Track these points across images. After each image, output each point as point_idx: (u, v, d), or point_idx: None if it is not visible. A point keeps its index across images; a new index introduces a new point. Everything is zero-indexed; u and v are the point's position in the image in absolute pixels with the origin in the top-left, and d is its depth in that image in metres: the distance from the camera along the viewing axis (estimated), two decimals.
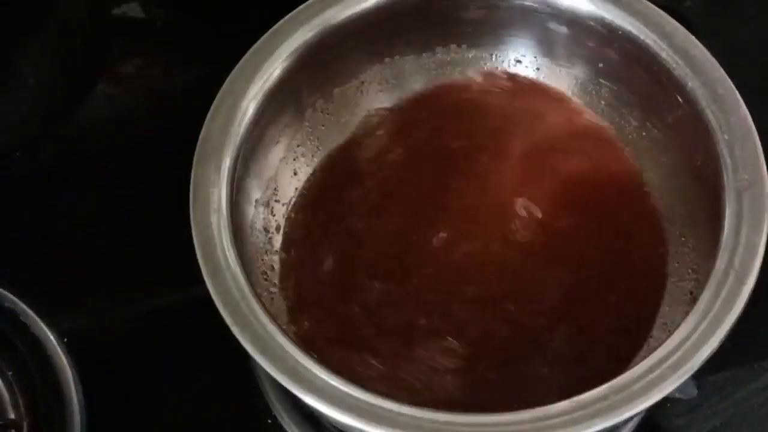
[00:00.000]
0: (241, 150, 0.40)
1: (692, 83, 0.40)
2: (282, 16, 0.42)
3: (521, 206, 0.45)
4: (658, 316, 0.42)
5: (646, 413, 0.44)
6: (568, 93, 0.47)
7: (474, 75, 0.47)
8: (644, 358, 0.34)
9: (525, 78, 0.47)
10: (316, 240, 0.45)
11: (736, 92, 0.39)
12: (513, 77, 0.47)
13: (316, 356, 0.34)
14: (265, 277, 0.43)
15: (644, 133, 0.45)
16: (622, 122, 0.46)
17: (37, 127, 0.55)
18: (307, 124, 0.46)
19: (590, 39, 0.44)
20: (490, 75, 0.47)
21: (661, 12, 0.42)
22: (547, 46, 0.46)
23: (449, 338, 0.41)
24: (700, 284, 0.36)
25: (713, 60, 0.40)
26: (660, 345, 0.34)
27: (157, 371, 0.47)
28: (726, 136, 0.38)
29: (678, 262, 0.42)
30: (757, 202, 0.37)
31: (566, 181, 0.45)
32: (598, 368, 0.40)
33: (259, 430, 0.45)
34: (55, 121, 0.55)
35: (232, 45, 0.42)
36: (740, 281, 0.35)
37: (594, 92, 0.46)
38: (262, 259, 0.43)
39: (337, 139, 0.47)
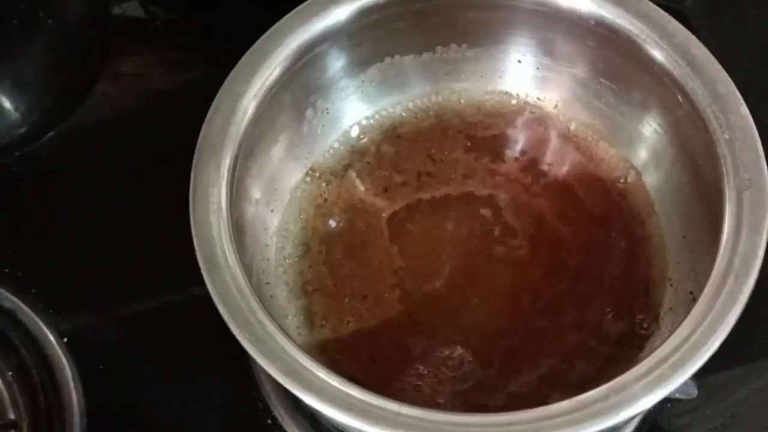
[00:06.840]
0: (241, 150, 0.39)
1: (693, 83, 0.40)
2: (281, 16, 0.42)
3: (519, 210, 0.45)
4: (658, 315, 0.42)
5: (646, 413, 0.44)
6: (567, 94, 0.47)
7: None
8: (644, 358, 0.34)
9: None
10: (317, 239, 0.45)
11: (737, 92, 0.39)
12: None
13: (315, 356, 0.34)
14: (265, 277, 0.43)
15: (644, 133, 0.45)
16: (623, 122, 0.46)
17: (37, 127, 0.55)
18: (306, 123, 0.46)
19: (591, 39, 0.44)
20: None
21: (662, 12, 0.41)
22: (547, 46, 0.46)
23: (454, 337, 0.42)
24: (700, 284, 0.36)
25: (714, 60, 0.40)
26: (660, 345, 0.34)
27: (157, 371, 0.47)
28: (726, 136, 0.38)
29: (678, 262, 0.42)
30: (758, 202, 0.36)
31: (563, 183, 0.45)
32: (598, 368, 0.40)
33: (259, 431, 0.45)
34: (55, 121, 0.55)
35: (232, 45, 0.42)
36: (740, 281, 0.35)
37: (594, 92, 0.46)
38: (262, 259, 0.43)
39: (336, 138, 0.47)
